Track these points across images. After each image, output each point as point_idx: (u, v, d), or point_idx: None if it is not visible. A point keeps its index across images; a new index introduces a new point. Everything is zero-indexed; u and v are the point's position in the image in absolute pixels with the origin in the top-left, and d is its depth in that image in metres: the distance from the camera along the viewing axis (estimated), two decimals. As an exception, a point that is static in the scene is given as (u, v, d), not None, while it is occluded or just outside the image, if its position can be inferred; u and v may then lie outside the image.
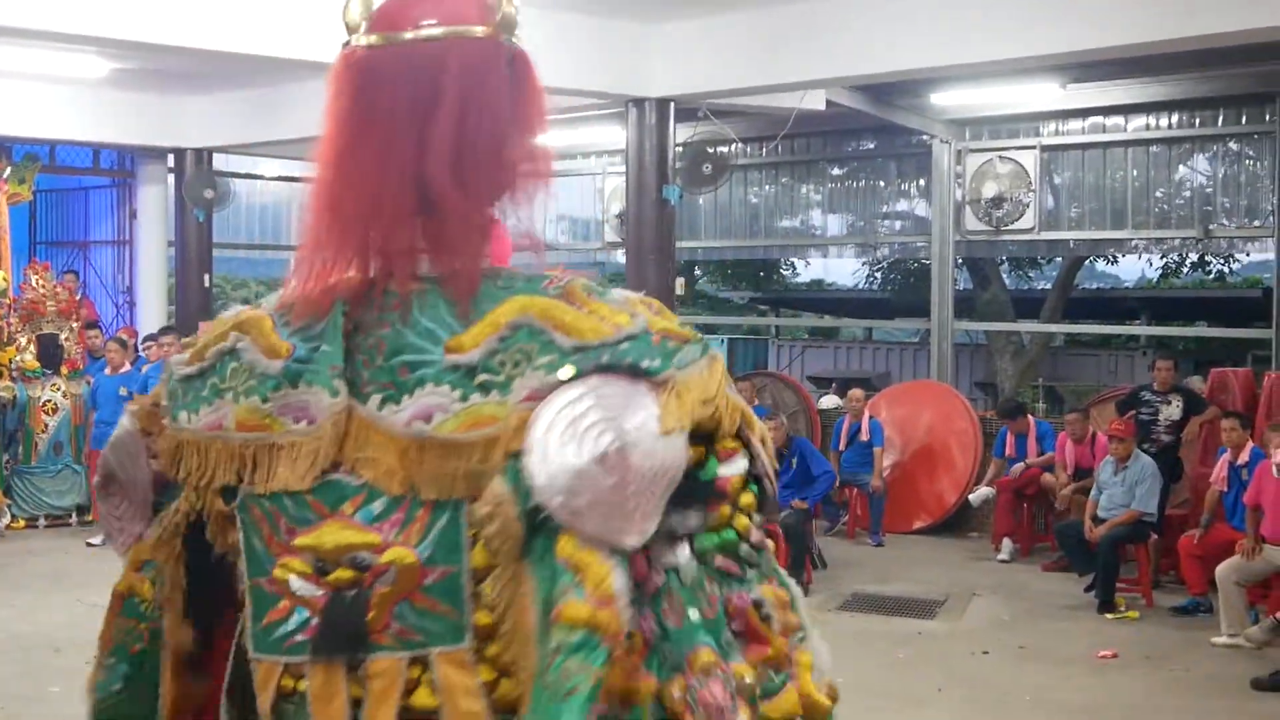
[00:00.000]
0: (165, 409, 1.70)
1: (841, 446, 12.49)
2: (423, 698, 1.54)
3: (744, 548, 1.53)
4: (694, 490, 1.48)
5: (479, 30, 1.72)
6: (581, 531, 1.41)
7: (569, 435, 1.42)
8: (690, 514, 1.49)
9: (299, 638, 1.59)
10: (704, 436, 1.49)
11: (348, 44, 1.80)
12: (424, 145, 1.62)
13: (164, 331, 11.64)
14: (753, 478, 1.55)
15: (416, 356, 1.56)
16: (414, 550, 1.54)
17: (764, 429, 1.60)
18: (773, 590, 1.58)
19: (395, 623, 1.55)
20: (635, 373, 1.48)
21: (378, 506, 1.55)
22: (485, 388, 1.52)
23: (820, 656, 1.71)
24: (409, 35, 1.69)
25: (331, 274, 1.62)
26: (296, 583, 1.59)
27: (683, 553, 1.49)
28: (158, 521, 1.73)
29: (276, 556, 1.59)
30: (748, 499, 1.54)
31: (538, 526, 1.43)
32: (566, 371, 1.48)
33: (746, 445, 1.54)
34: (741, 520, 1.53)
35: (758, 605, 1.54)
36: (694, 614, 1.48)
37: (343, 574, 1.55)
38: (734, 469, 1.52)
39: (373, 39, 1.74)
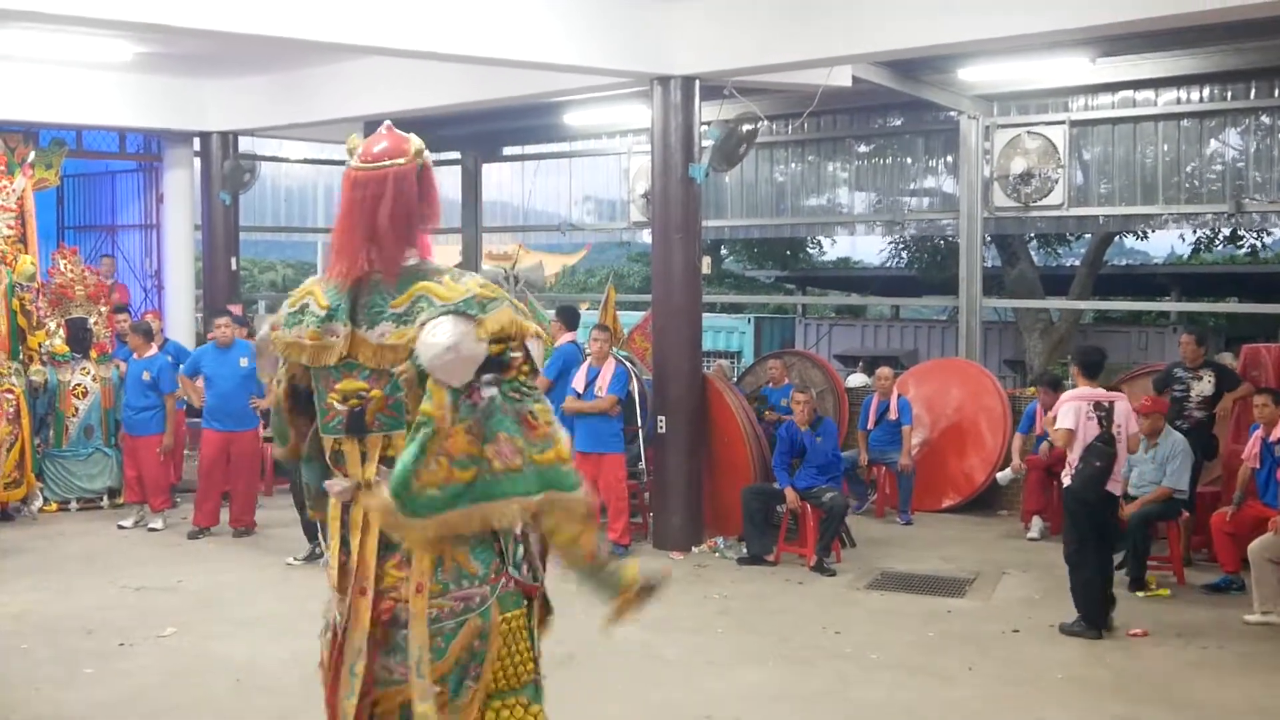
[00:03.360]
0: (282, 325, 3.70)
1: (870, 425, 12.47)
2: (390, 452, 3.51)
3: (524, 388, 3.43)
4: (499, 364, 3.38)
5: (403, 160, 3.62)
6: (435, 378, 3.31)
7: (430, 337, 3.33)
8: (496, 373, 3.36)
9: (338, 427, 3.59)
10: (504, 340, 3.40)
11: (349, 165, 3.67)
12: (379, 216, 3.55)
13: (219, 314, 11.60)
14: (528, 358, 3.46)
15: (378, 310, 3.51)
16: (383, 391, 3.51)
17: (536, 330, 3.51)
18: (540, 407, 3.45)
19: (377, 421, 3.54)
20: (465, 315, 3.38)
21: (365, 373, 3.53)
22: (404, 322, 3.44)
23: (564, 433, 3.52)
24: (375, 165, 3.61)
25: (340, 269, 3.58)
26: (337, 404, 3.58)
27: (491, 389, 3.36)
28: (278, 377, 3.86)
29: (328, 392, 3.60)
30: (526, 368, 3.46)
31: (423, 377, 3.36)
32: (435, 313, 3.39)
33: (526, 347, 3.45)
34: (522, 374, 3.43)
35: (531, 413, 3.42)
36: (499, 415, 3.36)
37: (354, 401, 3.54)
38: (519, 354, 3.42)
39: (362, 164, 3.62)
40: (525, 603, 3.71)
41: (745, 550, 10.33)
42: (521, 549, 3.70)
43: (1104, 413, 8.30)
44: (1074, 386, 8.80)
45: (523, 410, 3.42)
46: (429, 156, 3.70)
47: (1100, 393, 8.47)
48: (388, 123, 3.75)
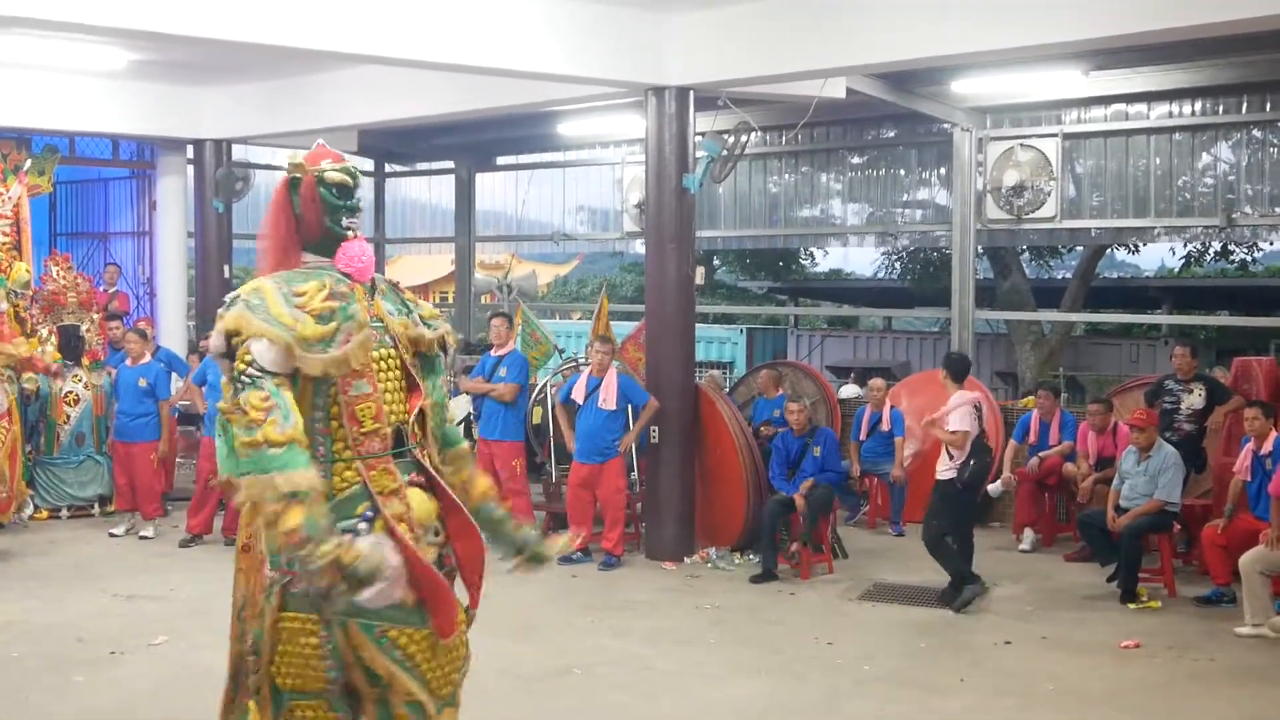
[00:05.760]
0: None
1: (862, 436, 12.49)
2: None
3: (244, 377, 3.94)
4: (232, 354, 4.04)
5: (286, 174, 4.33)
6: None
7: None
8: (230, 362, 4.04)
9: None
10: (235, 334, 4.04)
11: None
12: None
13: None
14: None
15: None
16: None
17: (263, 332, 3.99)
18: (254, 393, 3.90)
19: None
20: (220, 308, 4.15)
21: None
22: None
23: (279, 418, 3.88)
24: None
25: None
26: None
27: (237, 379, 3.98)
28: None
29: None
30: (249, 358, 3.97)
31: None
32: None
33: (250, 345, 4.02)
34: (244, 364, 3.96)
35: (247, 400, 3.90)
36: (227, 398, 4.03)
37: None
38: (247, 347, 3.98)
39: None
40: (315, 611, 3.99)
41: (760, 565, 10.10)
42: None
43: (978, 413, 9.26)
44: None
45: (240, 398, 3.93)
46: (301, 174, 4.30)
47: (974, 395, 9.46)
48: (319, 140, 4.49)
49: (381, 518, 4.05)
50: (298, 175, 4.31)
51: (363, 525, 4.01)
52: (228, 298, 4.18)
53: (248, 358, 3.97)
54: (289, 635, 4.05)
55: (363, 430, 4.13)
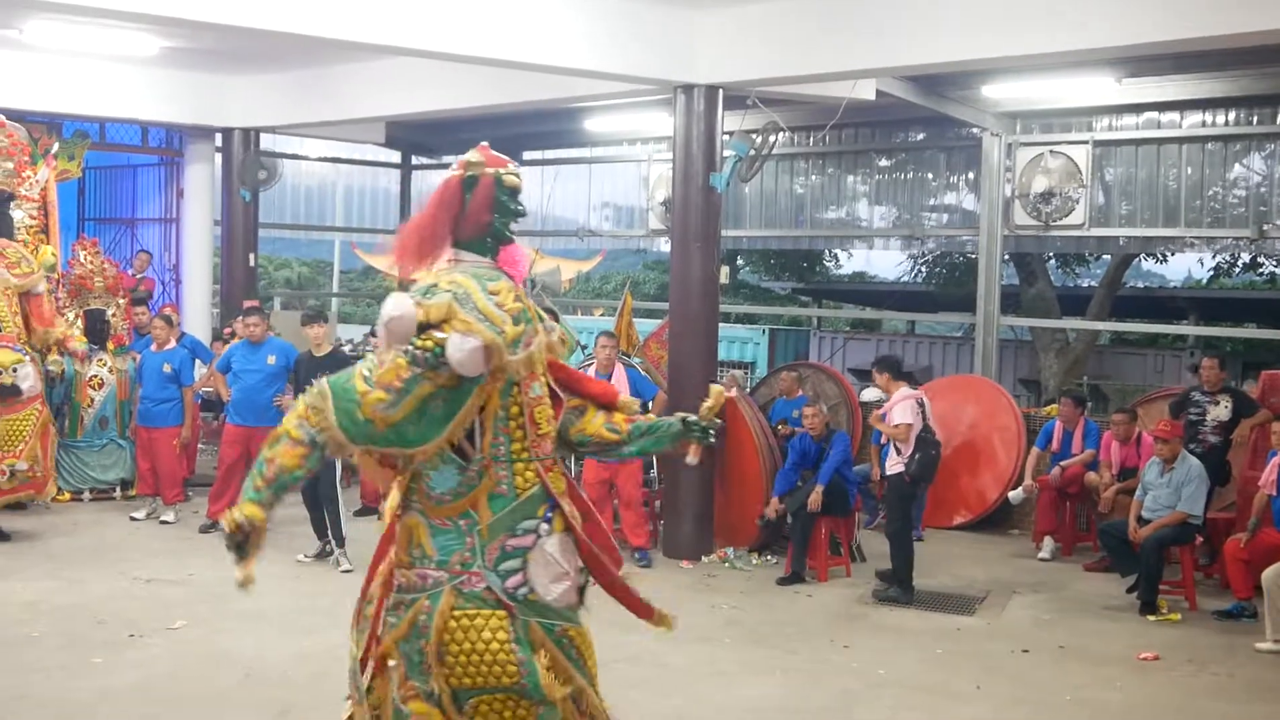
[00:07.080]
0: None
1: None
2: None
3: (418, 351, 3.87)
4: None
5: (457, 172, 4.30)
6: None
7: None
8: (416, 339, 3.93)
9: None
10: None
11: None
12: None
13: (251, 311, 11.54)
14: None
15: None
16: None
17: (453, 321, 3.94)
18: (403, 363, 3.90)
19: None
20: (412, 296, 3.98)
21: None
22: None
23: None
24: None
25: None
26: None
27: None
28: None
29: None
30: (430, 344, 3.87)
31: None
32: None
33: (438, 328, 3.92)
34: (424, 343, 3.88)
35: (395, 359, 3.92)
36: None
37: None
38: (436, 337, 3.88)
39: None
40: (501, 609, 3.99)
41: (786, 568, 10.08)
42: (518, 562, 4.03)
43: (922, 408, 9.55)
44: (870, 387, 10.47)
45: (391, 355, 4.02)
46: (479, 173, 4.30)
47: (916, 392, 9.74)
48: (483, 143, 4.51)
49: (562, 516, 4.15)
50: (475, 174, 4.28)
51: (544, 526, 4.12)
52: (419, 286, 4.06)
53: (430, 343, 3.87)
54: (464, 633, 3.96)
55: (540, 432, 4.19)
